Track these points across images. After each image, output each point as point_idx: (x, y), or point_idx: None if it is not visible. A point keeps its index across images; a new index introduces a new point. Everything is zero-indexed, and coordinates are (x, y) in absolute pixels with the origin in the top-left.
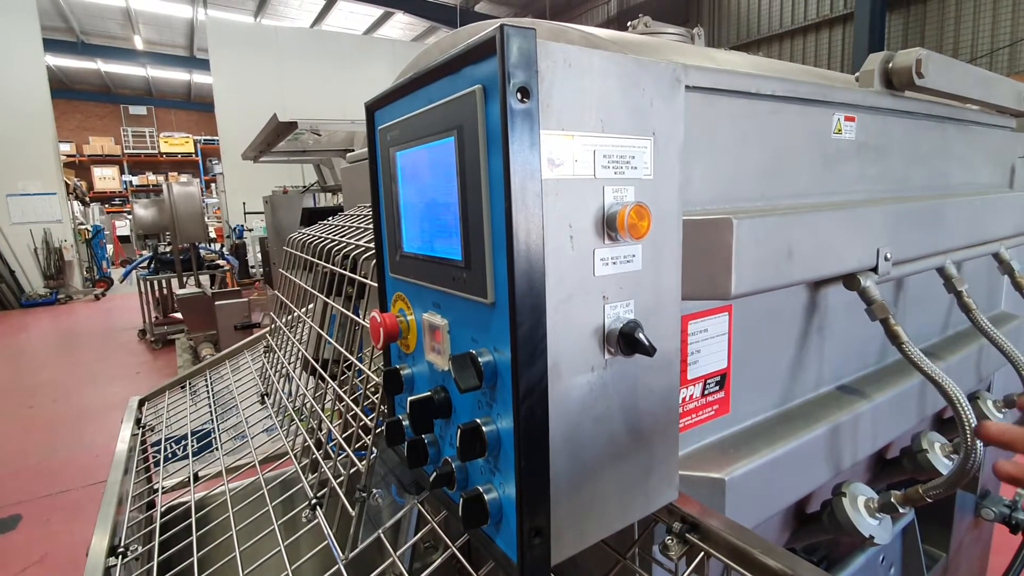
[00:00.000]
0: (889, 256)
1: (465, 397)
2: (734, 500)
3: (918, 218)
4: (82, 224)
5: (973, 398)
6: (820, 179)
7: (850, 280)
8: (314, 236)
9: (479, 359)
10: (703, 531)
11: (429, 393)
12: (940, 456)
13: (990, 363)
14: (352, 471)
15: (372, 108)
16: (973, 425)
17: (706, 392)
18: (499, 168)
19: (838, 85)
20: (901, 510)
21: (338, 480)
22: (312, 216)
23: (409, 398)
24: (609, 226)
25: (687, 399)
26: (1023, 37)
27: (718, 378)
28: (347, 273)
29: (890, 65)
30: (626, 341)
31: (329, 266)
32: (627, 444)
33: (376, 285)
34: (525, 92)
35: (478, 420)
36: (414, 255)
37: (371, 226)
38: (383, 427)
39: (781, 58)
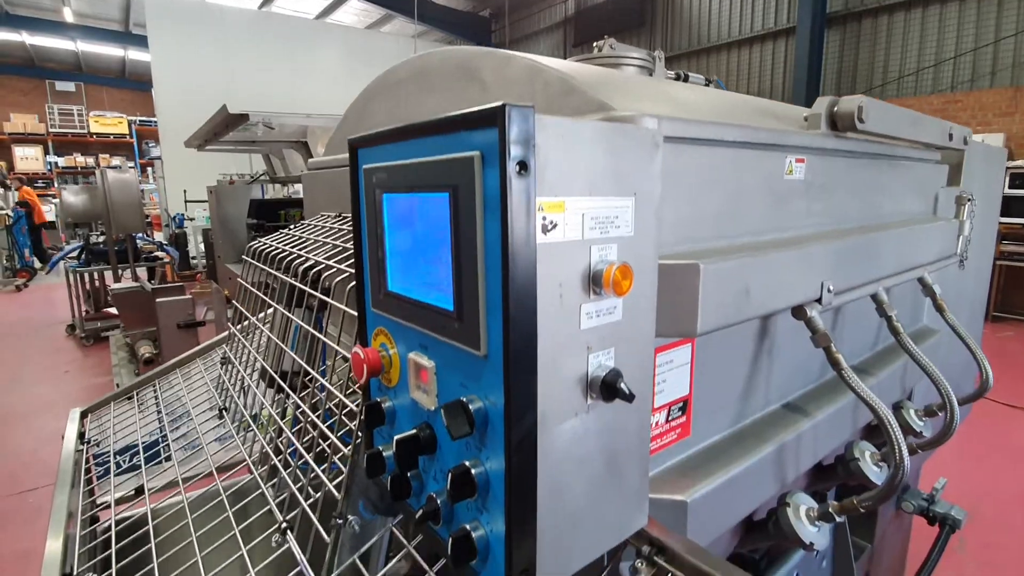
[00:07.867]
0: (832, 288)
1: None
2: (695, 520)
3: (856, 252)
4: (1, 209)
5: (897, 408)
6: (772, 217)
7: (797, 310)
8: (279, 249)
9: (470, 407)
10: (669, 554)
11: (415, 431)
12: (870, 464)
13: (912, 376)
14: (324, 491)
15: (355, 145)
16: (902, 445)
17: (670, 418)
18: (495, 230)
19: (790, 128)
20: (838, 519)
21: (309, 502)
22: (260, 208)
23: (396, 437)
24: (595, 282)
25: (653, 426)
26: (946, 58)
27: (681, 404)
28: (326, 298)
29: (835, 109)
30: (608, 390)
31: (300, 285)
32: (605, 479)
33: (344, 306)
34: (523, 165)
35: (467, 463)
36: (399, 296)
37: (335, 240)
38: (355, 447)
39: (729, 66)
